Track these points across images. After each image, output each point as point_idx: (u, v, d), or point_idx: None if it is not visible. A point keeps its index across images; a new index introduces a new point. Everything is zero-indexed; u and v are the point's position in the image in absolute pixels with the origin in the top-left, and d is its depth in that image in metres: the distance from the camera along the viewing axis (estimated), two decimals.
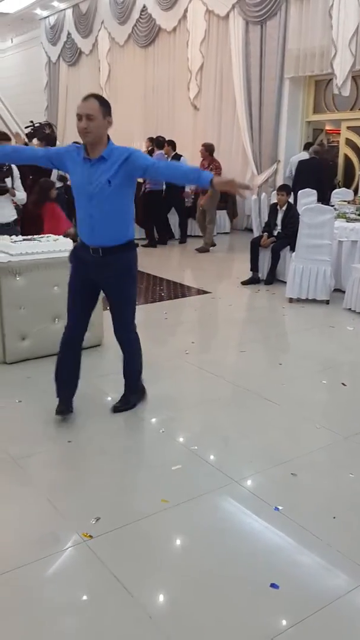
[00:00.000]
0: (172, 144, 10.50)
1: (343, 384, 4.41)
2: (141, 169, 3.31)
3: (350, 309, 6.26)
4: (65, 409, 3.71)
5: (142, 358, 3.87)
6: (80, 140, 3.33)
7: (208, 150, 9.97)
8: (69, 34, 16.68)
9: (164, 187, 9.94)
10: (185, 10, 12.29)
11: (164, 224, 10.51)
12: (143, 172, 3.37)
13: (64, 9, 16.57)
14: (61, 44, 17.17)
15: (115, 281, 3.51)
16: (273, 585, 2.36)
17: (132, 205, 3.52)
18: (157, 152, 10.12)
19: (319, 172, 9.44)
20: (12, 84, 19.89)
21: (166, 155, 10.08)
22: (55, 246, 4.86)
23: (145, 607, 2.25)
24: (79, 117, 3.22)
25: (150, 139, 11.26)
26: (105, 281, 3.51)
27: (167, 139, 10.64)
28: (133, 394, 3.90)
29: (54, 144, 9.39)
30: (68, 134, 15.83)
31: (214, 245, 9.96)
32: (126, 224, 3.47)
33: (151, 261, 9.07)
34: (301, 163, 9.70)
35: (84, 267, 3.49)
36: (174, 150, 10.42)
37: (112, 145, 3.32)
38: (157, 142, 10.56)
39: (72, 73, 17.11)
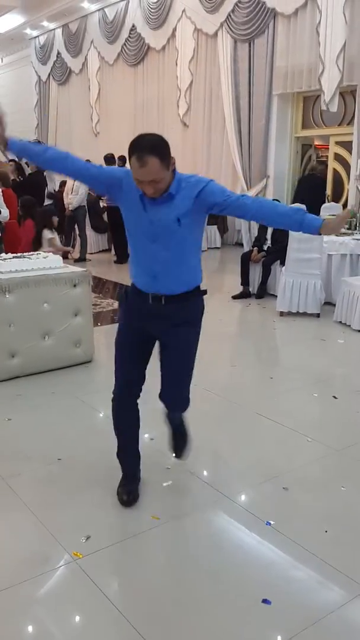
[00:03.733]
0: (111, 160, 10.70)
1: (334, 397, 4.40)
2: (218, 206, 2.62)
3: (340, 321, 6.27)
4: (134, 489, 3.07)
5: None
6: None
7: None
8: (58, 53, 16.81)
9: None
10: (174, 29, 12.43)
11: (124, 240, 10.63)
12: (221, 210, 2.64)
13: (54, 29, 16.72)
14: (51, 63, 17.30)
15: (176, 334, 2.82)
16: (265, 601, 2.34)
17: (201, 244, 2.87)
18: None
19: (316, 188, 9.62)
20: (2, 102, 19.86)
21: None
22: (45, 263, 4.87)
23: (137, 626, 2.22)
24: (140, 184, 2.53)
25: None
26: (165, 334, 2.84)
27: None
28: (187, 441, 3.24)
29: None
30: None
31: None
32: (195, 268, 2.82)
33: None
34: (300, 180, 9.88)
35: (137, 316, 2.84)
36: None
37: (178, 175, 2.61)
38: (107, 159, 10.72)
39: (62, 92, 17.22)
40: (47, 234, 6.49)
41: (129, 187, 2.61)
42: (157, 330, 2.84)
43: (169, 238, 2.64)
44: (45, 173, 10.54)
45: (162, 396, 2.95)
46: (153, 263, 2.70)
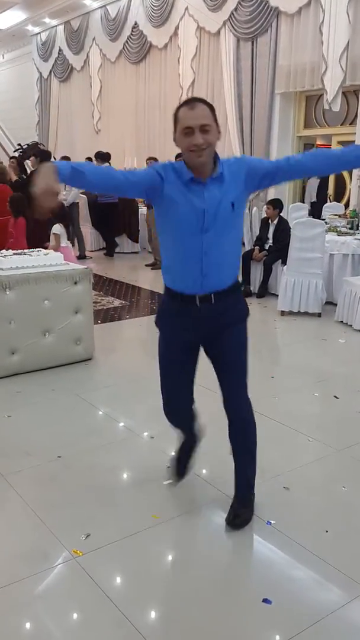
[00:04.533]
0: (105, 157, 10.84)
1: (335, 396, 4.39)
2: (270, 175, 2.51)
3: (342, 321, 6.26)
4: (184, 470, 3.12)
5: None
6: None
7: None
8: (60, 50, 16.78)
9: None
10: (177, 27, 12.40)
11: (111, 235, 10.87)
12: (272, 178, 2.53)
13: (56, 26, 16.69)
14: (52, 60, 17.27)
15: (230, 335, 2.66)
16: (266, 601, 2.33)
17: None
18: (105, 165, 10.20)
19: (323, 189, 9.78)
20: (3, 99, 20.01)
21: None
22: (46, 260, 4.86)
23: (136, 624, 2.21)
24: (189, 131, 2.36)
25: (153, 159, 10.83)
26: (217, 338, 2.65)
27: (157, 155, 10.72)
28: (248, 507, 2.87)
29: (49, 159, 9.42)
30: (59, 150, 15.89)
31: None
32: (239, 257, 2.70)
33: (139, 274, 9.09)
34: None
35: (183, 326, 2.62)
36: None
37: (219, 158, 2.50)
38: (101, 155, 10.82)
39: (63, 89, 17.19)
40: (57, 228, 6.30)
41: (170, 178, 2.45)
42: (208, 335, 2.65)
43: (224, 226, 2.48)
44: None
45: (230, 405, 2.74)
46: (203, 257, 2.48)
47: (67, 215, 6.65)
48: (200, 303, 2.55)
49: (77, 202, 10.22)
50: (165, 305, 2.69)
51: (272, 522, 2.83)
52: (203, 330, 2.63)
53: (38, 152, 9.89)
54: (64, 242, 6.30)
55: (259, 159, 2.58)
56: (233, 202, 2.46)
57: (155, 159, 10.54)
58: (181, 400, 2.85)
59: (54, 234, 6.29)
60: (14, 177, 8.87)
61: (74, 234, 10.44)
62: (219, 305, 2.57)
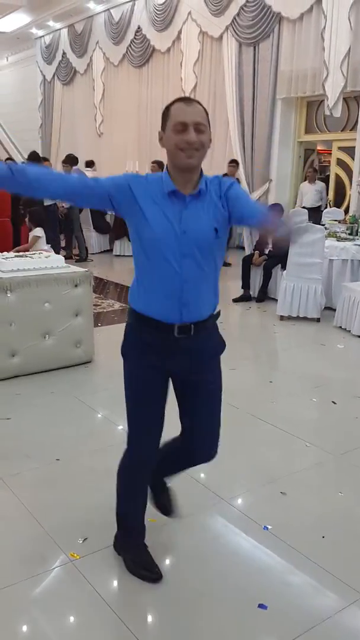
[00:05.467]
0: (74, 161, 10.80)
1: (333, 402, 4.40)
2: (236, 220, 2.18)
3: (340, 326, 6.28)
4: (158, 570, 2.52)
5: None
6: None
7: (160, 167, 10.11)
8: (64, 53, 16.82)
9: None
10: (180, 32, 12.44)
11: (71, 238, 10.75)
12: (236, 223, 2.21)
13: (60, 29, 16.73)
14: (56, 63, 17.31)
15: (209, 371, 2.37)
16: (261, 606, 2.34)
17: None
18: (74, 168, 10.15)
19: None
20: (7, 101, 20.03)
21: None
22: (47, 263, 4.87)
23: (133, 628, 2.22)
24: (183, 127, 2.08)
25: (157, 163, 10.48)
26: (194, 372, 2.33)
27: (159, 158, 10.70)
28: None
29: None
30: (62, 153, 15.93)
31: None
32: (217, 285, 2.35)
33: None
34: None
35: (157, 356, 2.28)
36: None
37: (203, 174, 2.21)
38: (70, 159, 10.78)
39: (66, 92, 17.22)
40: (38, 231, 6.41)
41: (145, 190, 2.16)
42: (184, 369, 2.31)
43: (203, 254, 2.17)
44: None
45: (195, 447, 2.45)
46: (182, 284, 2.17)
47: (44, 219, 6.64)
48: (178, 334, 2.22)
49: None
50: (134, 331, 2.32)
51: (269, 527, 2.84)
52: (180, 362, 2.29)
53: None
54: (44, 245, 6.32)
55: (247, 196, 2.21)
56: (216, 227, 2.15)
57: (160, 163, 10.54)
58: (153, 444, 2.40)
59: (34, 236, 6.35)
60: None
61: (74, 237, 10.47)
62: (201, 337, 2.26)
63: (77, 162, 11.17)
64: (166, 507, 2.79)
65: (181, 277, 2.17)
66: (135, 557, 2.53)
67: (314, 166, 11.31)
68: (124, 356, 2.37)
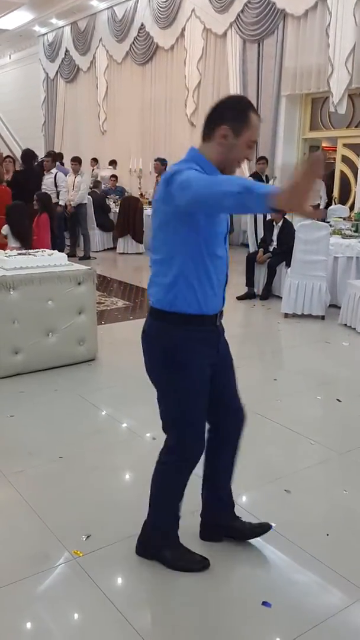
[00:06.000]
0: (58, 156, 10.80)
1: (338, 400, 4.39)
2: None
3: (345, 324, 6.25)
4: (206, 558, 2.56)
5: None
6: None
7: (163, 164, 10.08)
8: (67, 50, 16.82)
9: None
10: (183, 29, 12.43)
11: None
12: None
13: (63, 26, 16.73)
14: (59, 61, 17.32)
15: (225, 345, 2.51)
16: (265, 604, 2.33)
17: None
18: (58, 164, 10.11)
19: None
20: (10, 99, 20.05)
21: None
22: (50, 261, 4.87)
23: (136, 625, 2.21)
24: (253, 144, 2.22)
25: (160, 160, 10.64)
26: (225, 351, 2.49)
27: (162, 156, 10.70)
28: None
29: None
30: (66, 151, 15.93)
31: None
32: None
33: (143, 275, 9.09)
34: None
35: (209, 352, 2.36)
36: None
37: None
38: (52, 155, 10.66)
39: (69, 89, 17.23)
40: (5, 229, 6.34)
41: None
42: (221, 352, 2.43)
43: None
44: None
45: (238, 404, 2.61)
46: (227, 268, 2.33)
47: (16, 216, 6.55)
48: (218, 320, 2.35)
49: (85, 203, 10.22)
50: (184, 336, 2.28)
51: (273, 524, 2.82)
52: (220, 347, 2.41)
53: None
54: (13, 243, 6.26)
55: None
56: None
57: (162, 160, 10.53)
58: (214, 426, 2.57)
59: (4, 235, 6.32)
60: (7, 177, 8.83)
61: (79, 234, 10.46)
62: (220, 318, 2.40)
63: (61, 158, 11.07)
64: (244, 531, 2.73)
65: (225, 261, 2.29)
66: (184, 553, 2.55)
67: None
68: (184, 367, 2.30)
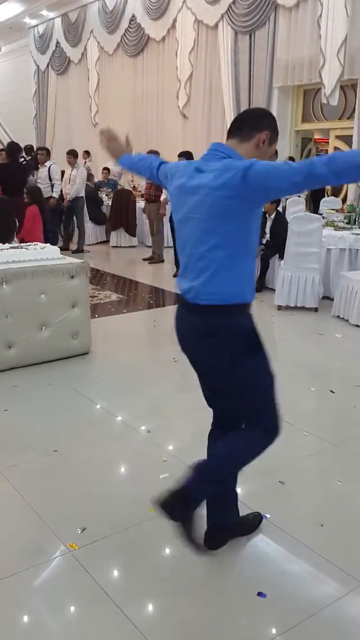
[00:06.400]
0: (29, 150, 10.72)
1: (331, 391, 4.40)
2: None
3: (338, 316, 6.27)
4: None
5: None
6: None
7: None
8: (57, 42, 16.72)
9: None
10: (175, 20, 12.37)
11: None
12: None
13: (53, 18, 16.61)
14: (50, 53, 17.21)
15: None
16: (260, 594, 2.34)
17: None
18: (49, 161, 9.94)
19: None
20: (0, 92, 19.92)
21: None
22: (43, 254, 4.85)
23: (132, 618, 2.22)
24: (275, 156, 2.54)
25: (153, 152, 10.65)
26: None
27: (155, 148, 10.63)
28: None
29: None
30: (57, 143, 15.87)
31: (161, 260, 9.57)
32: None
33: (137, 268, 9.08)
34: None
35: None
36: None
37: None
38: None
39: (61, 82, 17.13)
40: None
41: None
42: None
43: None
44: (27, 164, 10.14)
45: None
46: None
47: None
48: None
49: (82, 196, 10.16)
50: (250, 323, 2.39)
51: (268, 516, 2.84)
52: None
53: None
54: None
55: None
56: None
57: (156, 152, 10.47)
58: None
59: None
60: None
61: (75, 228, 10.42)
62: None
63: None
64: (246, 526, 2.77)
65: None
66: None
67: (312, 155, 11.26)
68: (261, 347, 2.46)
